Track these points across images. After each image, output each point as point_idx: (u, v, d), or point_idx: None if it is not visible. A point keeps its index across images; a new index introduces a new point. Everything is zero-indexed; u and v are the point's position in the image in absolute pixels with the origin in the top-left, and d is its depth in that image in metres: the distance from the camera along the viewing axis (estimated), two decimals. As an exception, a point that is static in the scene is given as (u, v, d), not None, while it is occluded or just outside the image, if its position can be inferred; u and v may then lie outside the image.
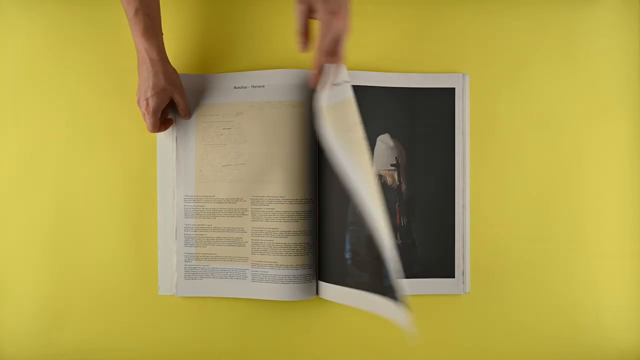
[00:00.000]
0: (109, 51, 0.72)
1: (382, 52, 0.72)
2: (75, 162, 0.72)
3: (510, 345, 0.72)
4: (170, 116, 0.71)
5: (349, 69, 0.71)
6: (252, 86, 0.70)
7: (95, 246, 0.71)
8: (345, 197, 0.68)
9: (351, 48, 0.71)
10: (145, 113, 0.65)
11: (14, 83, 0.72)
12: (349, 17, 0.55)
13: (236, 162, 0.70)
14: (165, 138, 0.71)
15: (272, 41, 0.72)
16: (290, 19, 0.72)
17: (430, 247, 0.71)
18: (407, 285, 0.70)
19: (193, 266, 0.70)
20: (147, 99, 0.64)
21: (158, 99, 0.64)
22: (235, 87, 0.70)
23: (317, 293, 0.70)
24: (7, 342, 0.71)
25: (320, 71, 0.60)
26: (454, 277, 0.71)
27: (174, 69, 0.66)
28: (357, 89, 0.69)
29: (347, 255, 0.66)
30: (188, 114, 0.70)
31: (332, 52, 0.57)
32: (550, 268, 0.73)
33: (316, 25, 0.57)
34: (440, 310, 0.72)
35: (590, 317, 0.73)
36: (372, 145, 0.70)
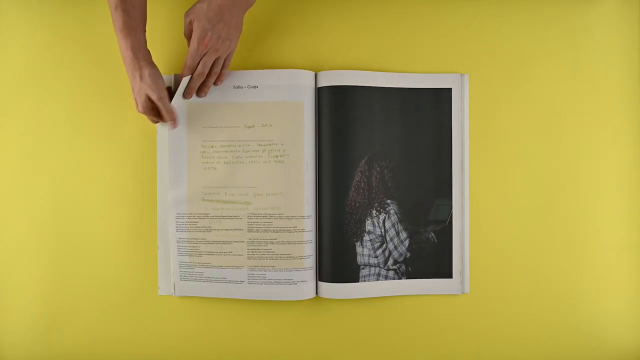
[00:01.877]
0: (109, 51, 0.72)
1: (381, 51, 0.72)
2: (74, 162, 0.72)
3: (510, 345, 0.72)
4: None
5: (350, 67, 0.71)
6: (249, 86, 0.70)
7: (95, 246, 0.72)
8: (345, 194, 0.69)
9: (350, 47, 0.72)
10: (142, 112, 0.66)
11: (14, 83, 0.72)
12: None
13: (232, 177, 0.69)
14: (163, 139, 0.71)
15: (270, 41, 0.72)
16: (289, 19, 0.72)
17: (428, 247, 0.71)
18: (405, 286, 0.70)
19: (188, 271, 0.70)
20: (135, 100, 0.64)
21: (140, 99, 0.64)
22: (234, 87, 0.70)
23: (316, 293, 0.70)
24: (7, 342, 0.72)
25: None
26: (452, 277, 0.71)
27: (154, 70, 0.63)
28: (355, 89, 0.69)
29: (359, 250, 0.68)
30: (172, 120, 0.67)
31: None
32: (550, 268, 0.72)
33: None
34: (438, 311, 0.72)
35: (591, 318, 0.72)
36: (369, 145, 0.70)
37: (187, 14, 0.62)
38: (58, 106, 0.72)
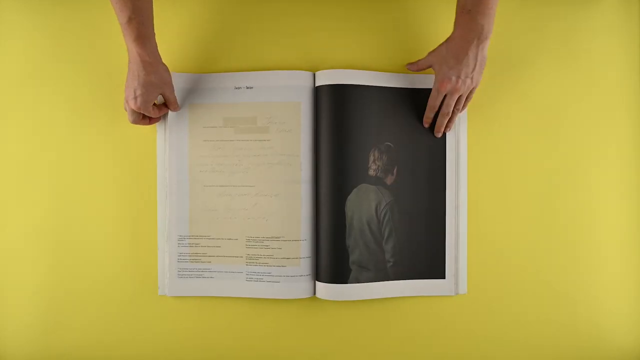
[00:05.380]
0: (108, 52, 0.72)
1: (381, 51, 0.72)
2: (74, 162, 0.72)
3: (509, 346, 0.72)
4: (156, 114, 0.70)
5: (345, 67, 0.71)
6: (246, 87, 0.70)
7: (96, 246, 0.72)
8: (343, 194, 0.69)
9: (348, 48, 0.72)
10: (133, 109, 0.65)
11: (14, 83, 0.72)
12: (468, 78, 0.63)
13: (231, 176, 0.70)
14: (163, 140, 0.72)
15: (267, 42, 0.72)
16: (286, 20, 0.72)
17: (422, 248, 0.71)
18: (400, 286, 0.70)
19: (188, 267, 0.71)
20: (135, 97, 0.63)
21: (146, 97, 0.63)
22: (234, 88, 0.70)
23: (314, 293, 0.71)
24: (7, 342, 0.72)
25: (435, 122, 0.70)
26: (444, 278, 0.71)
27: (165, 67, 0.66)
28: (354, 88, 0.69)
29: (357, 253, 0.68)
30: (177, 107, 0.70)
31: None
32: (549, 268, 0.72)
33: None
34: (436, 311, 0.72)
35: (590, 318, 0.72)
36: (365, 144, 0.70)
37: (429, 55, 0.66)
38: (58, 106, 0.73)
